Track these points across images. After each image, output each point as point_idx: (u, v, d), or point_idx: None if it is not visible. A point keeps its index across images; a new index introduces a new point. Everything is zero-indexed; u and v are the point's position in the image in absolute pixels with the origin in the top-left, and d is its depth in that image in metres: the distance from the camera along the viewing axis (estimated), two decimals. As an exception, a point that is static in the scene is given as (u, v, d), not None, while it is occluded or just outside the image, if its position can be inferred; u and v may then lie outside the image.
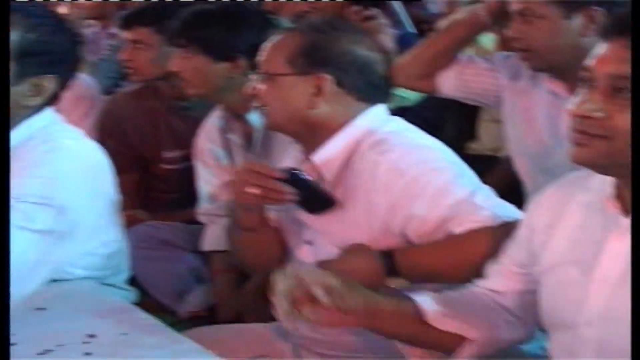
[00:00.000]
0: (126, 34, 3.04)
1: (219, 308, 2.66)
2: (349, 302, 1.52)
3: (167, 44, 2.61)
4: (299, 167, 1.88)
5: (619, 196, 1.46)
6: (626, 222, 1.43)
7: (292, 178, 1.83)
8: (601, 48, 1.40)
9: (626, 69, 1.35)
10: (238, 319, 2.49)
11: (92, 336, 1.58)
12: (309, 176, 1.84)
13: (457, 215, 1.77)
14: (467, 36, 2.67)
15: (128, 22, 3.05)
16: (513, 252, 1.65)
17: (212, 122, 2.66)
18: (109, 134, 2.96)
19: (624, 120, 1.35)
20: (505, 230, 1.73)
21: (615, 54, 1.38)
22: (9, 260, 1.55)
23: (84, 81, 3.12)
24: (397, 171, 1.79)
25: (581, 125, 1.39)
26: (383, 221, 1.81)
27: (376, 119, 1.91)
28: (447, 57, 2.62)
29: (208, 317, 2.62)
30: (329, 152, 1.88)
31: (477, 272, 1.74)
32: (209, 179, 2.68)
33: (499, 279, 1.67)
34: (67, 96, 1.89)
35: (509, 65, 2.61)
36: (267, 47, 1.92)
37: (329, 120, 1.88)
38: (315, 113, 1.87)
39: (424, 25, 3.92)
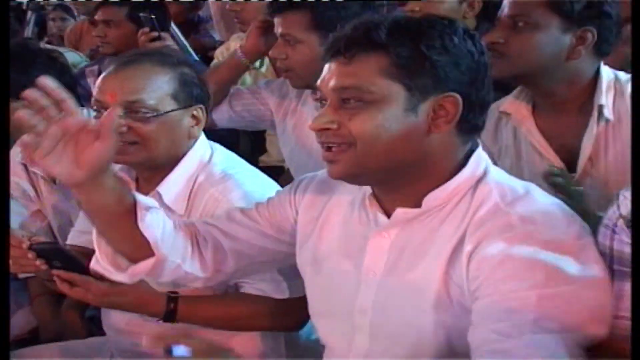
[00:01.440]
0: None
1: (41, 329, 2.67)
2: None
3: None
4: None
5: (375, 196, 1.55)
6: (384, 220, 1.52)
7: (37, 248, 1.81)
8: (325, 69, 1.50)
9: (346, 81, 1.44)
10: (60, 337, 2.52)
11: None
12: (57, 244, 1.81)
13: None
14: (231, 77, 2.82)
15: None
16: (275, 219, 1.71)
17: (14, 157, 2.66)
18: None
19: (356, 126, 1.43)
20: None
21: (334, 70, 1.46)
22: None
23: None
24: None
25: (322, 138, 1.47)
26: None
27: (206, 145, 2.01)
28: (218, 95, 2.72)
29: (31, 339, 2.63)
30: (176, 187, 1.94)
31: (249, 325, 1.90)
32: (19, 210, 2.72)
33: (237, 227, 1.72)
34: None
35: (274, 88, 2.77)
36: (135, 85, 1.89)
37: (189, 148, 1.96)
38: (190, 143, 1.97)
39: (211, 52, 4.01)
